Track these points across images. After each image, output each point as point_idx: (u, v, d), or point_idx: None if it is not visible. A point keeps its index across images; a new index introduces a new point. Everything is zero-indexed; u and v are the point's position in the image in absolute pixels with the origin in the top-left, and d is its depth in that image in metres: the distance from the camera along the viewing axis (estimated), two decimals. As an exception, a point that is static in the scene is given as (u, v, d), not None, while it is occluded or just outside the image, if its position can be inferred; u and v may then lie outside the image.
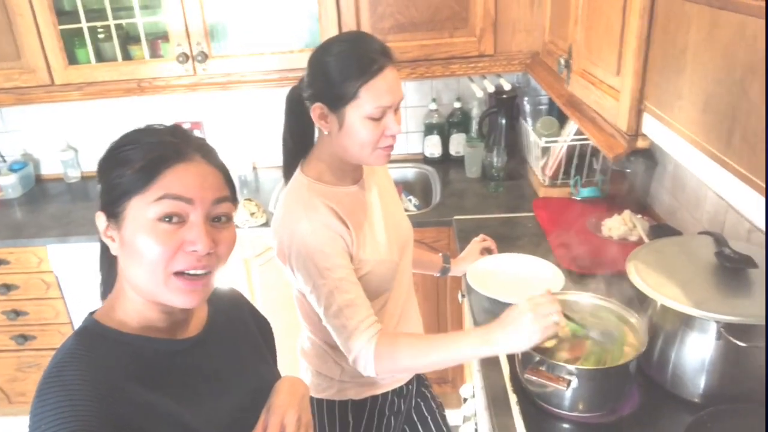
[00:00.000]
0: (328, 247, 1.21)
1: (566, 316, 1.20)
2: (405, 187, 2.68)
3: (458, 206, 2.30)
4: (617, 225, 1.83)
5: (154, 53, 2.37)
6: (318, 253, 1.20)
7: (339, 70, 1.19)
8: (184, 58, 2.29)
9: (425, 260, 1.75)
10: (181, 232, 0.84)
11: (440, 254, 1.76)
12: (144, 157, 0.84)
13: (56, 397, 0.76)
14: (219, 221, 0.88)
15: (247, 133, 2.76)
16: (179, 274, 0.84)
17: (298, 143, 1.34)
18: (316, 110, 1.23)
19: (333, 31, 2.21)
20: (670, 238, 1.41)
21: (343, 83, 1.18)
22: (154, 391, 0.83)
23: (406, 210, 2.49)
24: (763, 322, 1.08)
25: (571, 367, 1.15)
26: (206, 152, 0.89)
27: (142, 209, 0.83)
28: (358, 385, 1.40)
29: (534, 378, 1.18)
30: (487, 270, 1.70)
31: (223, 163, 0.92)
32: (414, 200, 2.59)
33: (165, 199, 0.83)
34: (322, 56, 1.22)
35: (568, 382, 1.14)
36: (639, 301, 1.30)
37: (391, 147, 1.27)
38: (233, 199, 0.91)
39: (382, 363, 1.20)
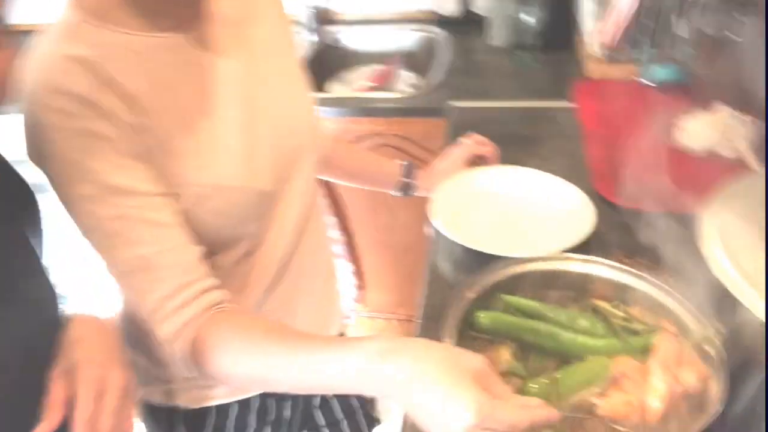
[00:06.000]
0: (87, 157, 0.63)
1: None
2: (405, 60, 1.93)
3: (464, 88, 1.61)
4: (704, 129, 1.19)
5: None
6: (70, 166, 0.62)
7: None
8: None
9: (373, 170, 1.12)
10: None
11: (401, 162, 1.10)
12: None
13: None
14: None
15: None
16: None
17: None
18: None
19: None
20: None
21: None
22: None
23: (400, 92, 1.78)
24: None
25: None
26: None
27: None
28: (197, 388, 0.83)
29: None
30: (470, 193, 1.04)
31: None
32: (414, 79, 1.87)
33: None
34: None
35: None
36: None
37: None
38: None
39: (207, 366, 0.66)
